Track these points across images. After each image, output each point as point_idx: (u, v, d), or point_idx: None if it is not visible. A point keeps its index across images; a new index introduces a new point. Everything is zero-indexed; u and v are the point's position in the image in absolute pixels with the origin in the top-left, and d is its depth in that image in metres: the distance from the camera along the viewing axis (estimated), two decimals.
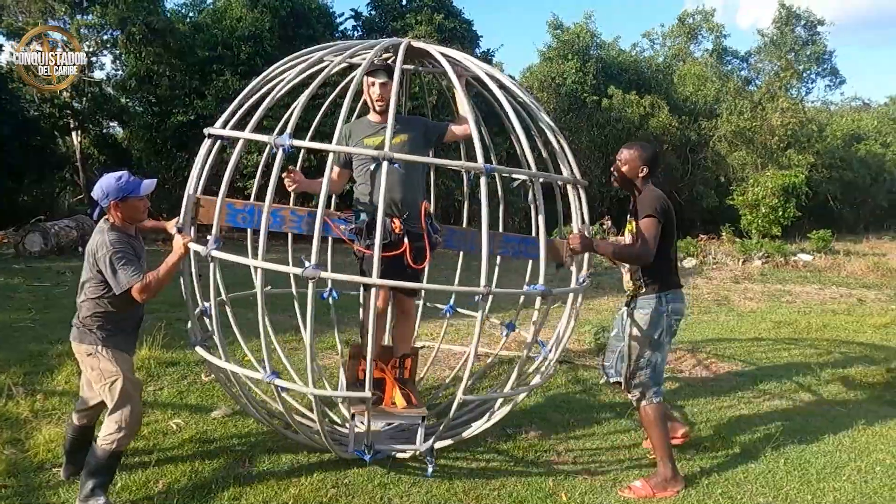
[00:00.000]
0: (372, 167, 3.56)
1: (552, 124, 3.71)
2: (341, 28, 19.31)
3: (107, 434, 2.92)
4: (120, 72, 17.65)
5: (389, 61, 3.69)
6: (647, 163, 3.44)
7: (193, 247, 3.12)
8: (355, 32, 19.41)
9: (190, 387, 4.68)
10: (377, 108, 3.64)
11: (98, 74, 17.49)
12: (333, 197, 4.51)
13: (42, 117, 15.90)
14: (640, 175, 3.45)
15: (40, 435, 3.62)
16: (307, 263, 2.89)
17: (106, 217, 3.05)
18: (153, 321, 5.78)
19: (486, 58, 19.82)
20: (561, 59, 24.06)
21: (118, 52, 16.93)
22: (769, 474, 3.63)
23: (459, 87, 3.46)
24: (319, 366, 4.79)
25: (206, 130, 3.39)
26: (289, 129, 3.04)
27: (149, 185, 3.08)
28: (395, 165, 3.12)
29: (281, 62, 3.66)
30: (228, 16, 17.10)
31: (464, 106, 3.53)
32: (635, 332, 3.45)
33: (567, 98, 23.30)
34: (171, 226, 3.31)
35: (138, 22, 15.28)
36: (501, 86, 3.60)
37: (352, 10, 20.00)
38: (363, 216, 3.57)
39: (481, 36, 20.14)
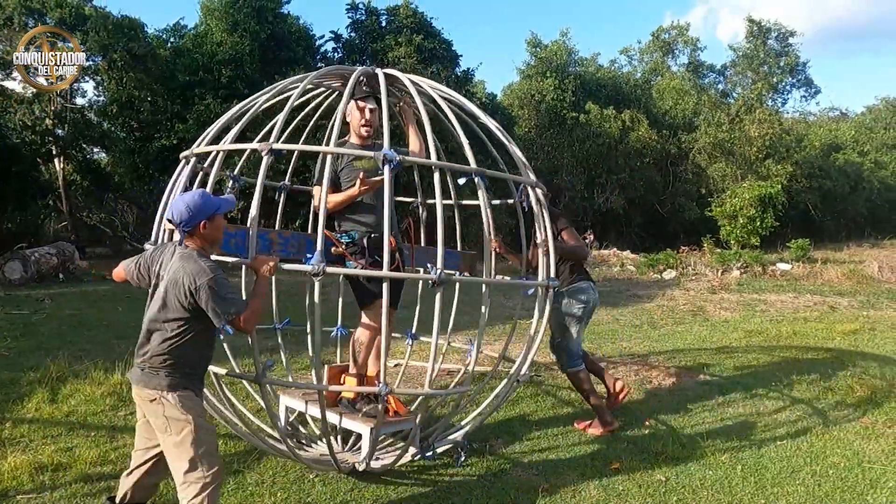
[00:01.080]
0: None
1: (502, 140, 3.87)
2: (322, 50, 19.53)
3: (191, 498, 2.53)
4: (102, 98, 17.72)
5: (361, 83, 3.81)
6: (554, 191, 4.70)
7: (296, 266, 2.92)
8: (335, 55, 19.59)
9: None
10: (363, 133, 3.77)
11: (80, 101, 17.58)
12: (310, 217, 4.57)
13: (24, 144, 15.89)
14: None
15: (6, 463, 3.63)
16: (432, 270, 2.98)
17: (185, 244, 2.63)
18: (126, 345, 5.80)
19: (466, 77, 20.06)
20: (540, 77, 24.45)
21: (100, 78, 17.04)
22: (725, 480, 3.73)
23: (410, 116, 3.62)
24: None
25: (264, 145, 3.02)
26: (386, 142, 3.06)
27: (232, 200, 2.80)
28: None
29: (285, 84, 3.71)
30: (209, 41, 17.25)
31: (415, 135, 3.71)
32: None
33: (547, 115, 23.65)
34: None
35: (119, 48, 15.38)
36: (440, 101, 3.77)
37: (331, 32, 20.14)
38: (355, 235, 3.69)
39: (461, 55, 20.40)
